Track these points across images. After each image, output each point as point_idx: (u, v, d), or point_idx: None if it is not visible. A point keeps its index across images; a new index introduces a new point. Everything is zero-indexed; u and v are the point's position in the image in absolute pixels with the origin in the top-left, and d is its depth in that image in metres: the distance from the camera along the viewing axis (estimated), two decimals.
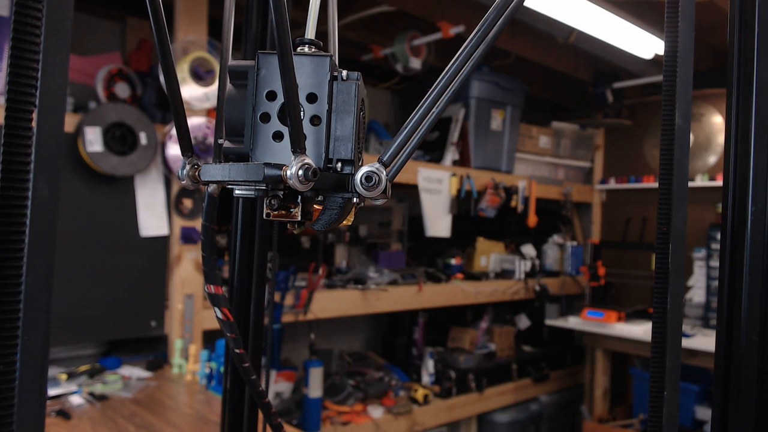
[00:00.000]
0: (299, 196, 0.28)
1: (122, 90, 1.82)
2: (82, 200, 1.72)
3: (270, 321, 0.62)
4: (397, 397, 2.34)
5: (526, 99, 2.90)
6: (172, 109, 0.27)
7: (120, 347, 1.87)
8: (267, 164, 0.25)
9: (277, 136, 0.28)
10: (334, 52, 0.33)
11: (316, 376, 2.06)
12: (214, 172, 0.26)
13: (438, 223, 2.52)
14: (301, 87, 0.27)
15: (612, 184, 3.33)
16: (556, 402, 3.07)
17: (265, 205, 0.28)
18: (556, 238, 3.21)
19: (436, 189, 2.48)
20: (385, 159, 0.29)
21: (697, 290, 2.79)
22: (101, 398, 1.50)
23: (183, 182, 0.28)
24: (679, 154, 0.25)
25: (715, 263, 2.79)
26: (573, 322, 2.93)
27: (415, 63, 2.38)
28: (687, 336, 2.52)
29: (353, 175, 0.28)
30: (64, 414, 1.38)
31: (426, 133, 0.29)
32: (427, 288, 2.47)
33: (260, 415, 0.43)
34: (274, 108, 0.28)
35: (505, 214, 2.89)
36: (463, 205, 2.74)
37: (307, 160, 0.26)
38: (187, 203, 1.88)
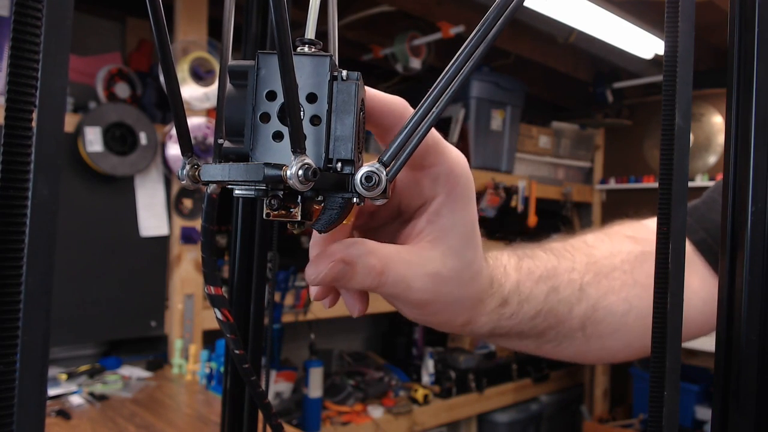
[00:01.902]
0: (299, 196, 0.28)
1: (122, 90, 1.82)
2: (82, 200, 1.72)
3: (270, 321, 0.62)
4: (397, 397, 2.33)
5: (526, 99, 2.89)
6: (172, 109, 0.27)
7: (120, 347, 1.86)
8: (267, 164, 0.25)
9: (277, 136, 0.28)
10: (334, 52, 0.33)
11: (316, 376, 2.06)
12: (214, 172, 0.26)
13: None
14: (301, 87, 0.27)
15: (612, 184, 3.32)
16: (556, 402, 3.07)
17: (264, 205, 0.28)
18: (556, 238, 3.20)
19: None
20: (385, 159, 0.29)
21: None
22: (101, 398, 1.50)
23: (183, 182, 0.28)
24: (679, 154, 0.25)
25: None
26: None
27: (415, 63, 2.38)
28: None
29: (353, 175, 0.28)
30: (64, 414, 1.38)
31: (426, 133, 0.29)
32: None
33: (260, 415, 0.43)
34: (274, 108, 0.28)
35: (505, 214, 2.89)
36: None
37: (307, 160, 0.26)
38: (187, 203, 1.88)
